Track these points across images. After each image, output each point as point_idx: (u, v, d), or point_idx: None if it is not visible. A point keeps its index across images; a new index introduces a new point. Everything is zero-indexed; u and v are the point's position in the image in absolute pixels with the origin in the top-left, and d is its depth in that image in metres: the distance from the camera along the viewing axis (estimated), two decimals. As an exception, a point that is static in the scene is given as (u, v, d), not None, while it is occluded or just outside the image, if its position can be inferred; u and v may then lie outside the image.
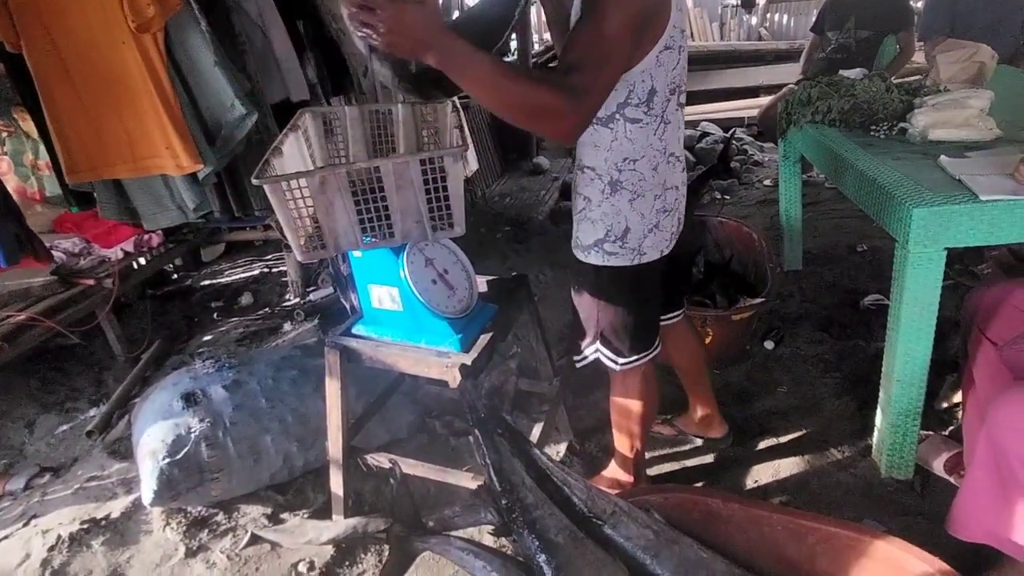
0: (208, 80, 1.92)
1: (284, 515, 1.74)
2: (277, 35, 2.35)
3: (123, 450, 2.05)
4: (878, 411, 1.74)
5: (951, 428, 1.87)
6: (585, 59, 1.01)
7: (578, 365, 1.49)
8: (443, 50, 0.95)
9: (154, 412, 1.68)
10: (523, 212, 3.98)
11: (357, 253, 1.31)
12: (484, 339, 1.35)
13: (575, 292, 1.44)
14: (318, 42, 2.59)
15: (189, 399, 1.68)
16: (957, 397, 1.93)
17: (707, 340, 2.18)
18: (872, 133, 2.05)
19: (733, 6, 9.72)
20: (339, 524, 1.62)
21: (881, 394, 1.71)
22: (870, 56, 3.63)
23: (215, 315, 3.09)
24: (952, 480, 1.67)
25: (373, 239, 1.16)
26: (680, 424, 1.95)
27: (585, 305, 1.42)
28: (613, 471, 1.69)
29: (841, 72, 2.50)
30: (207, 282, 3.53)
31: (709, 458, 1.89)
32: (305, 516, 1.73)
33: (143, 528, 1.73)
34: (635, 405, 1.51)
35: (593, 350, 1.44)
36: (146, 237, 2.89)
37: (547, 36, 7.04)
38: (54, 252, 2.64)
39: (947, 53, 2.24)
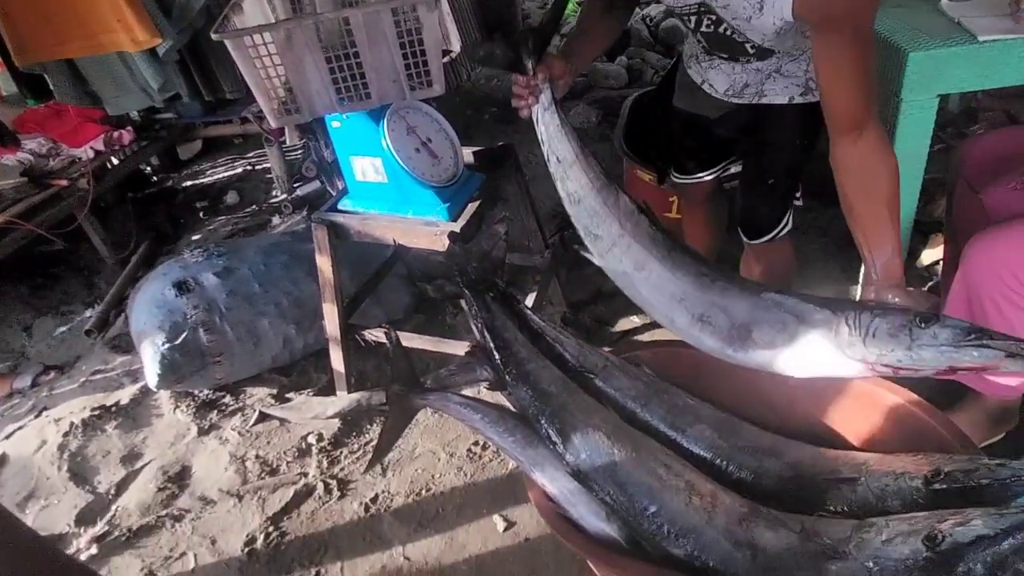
0: (155, -62, 1.74)
1: (289, 395, 1.81)
2: None
3: (124, 344, 2.09)
4: (862, 267, 1.77)
5: (931, 284, 1.92)
6: (862, 96, 1.04)
7: (785, 231, 1.48)
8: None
9: (147, 301, 1.70)
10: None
11: (336, 123, 1.26)
12: (472, 207, 1.34)
13: (779, 159, 1.40)
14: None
15: (181, 287, 1.68)
16: (938, 254, 1.96)
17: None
18: None
19: None
20: (343, 399, 1.70)
21: (866, 251, 1.73)
22: None
23: (201, 214, 3.03)
24: (929, 331, 1.73)
25: (349, 101, 1.11)
26: None
27: (795, 162, 1.40)
28: None
29: None
30: (189, 183, 3.43)
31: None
32: (310, 395, 1.80)
33: (153, 412, 1.80)
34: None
35: (788, 214, 1.46)
36: (116, 135, 2.76)
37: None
38: (20, 153, 2.54)
39: None
